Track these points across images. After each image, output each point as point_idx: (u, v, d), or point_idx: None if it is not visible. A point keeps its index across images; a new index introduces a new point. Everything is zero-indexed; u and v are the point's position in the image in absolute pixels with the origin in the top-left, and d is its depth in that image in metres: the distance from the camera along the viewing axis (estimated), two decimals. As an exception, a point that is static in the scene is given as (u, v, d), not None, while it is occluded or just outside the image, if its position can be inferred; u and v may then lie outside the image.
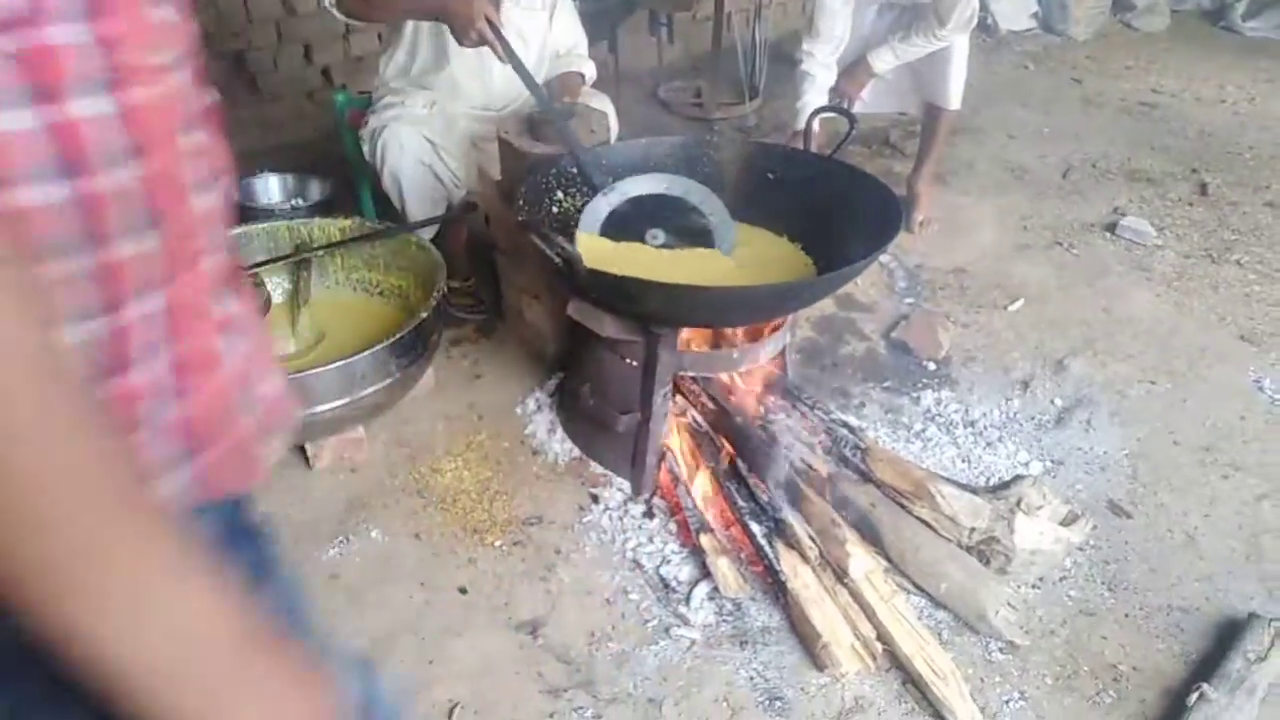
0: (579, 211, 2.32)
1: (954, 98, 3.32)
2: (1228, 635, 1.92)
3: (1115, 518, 2.25)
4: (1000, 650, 1.89)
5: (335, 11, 2.50)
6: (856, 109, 3.28)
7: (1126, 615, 1.99)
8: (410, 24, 2.56)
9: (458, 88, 2.74)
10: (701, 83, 5.05)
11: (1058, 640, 1.93)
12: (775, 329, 2.23)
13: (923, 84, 3.36)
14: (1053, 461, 2.42)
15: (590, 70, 2.91)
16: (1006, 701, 1.79)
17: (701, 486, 2.23)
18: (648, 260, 2.14)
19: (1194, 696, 1.74)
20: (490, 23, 2.32)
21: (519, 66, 2.35)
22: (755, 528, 2.09)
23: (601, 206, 2.23)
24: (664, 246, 2.20)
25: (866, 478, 2.10)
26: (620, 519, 2.20)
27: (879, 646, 1.84)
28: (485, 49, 2.42)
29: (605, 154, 2.41)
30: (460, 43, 2.38)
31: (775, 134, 4.61)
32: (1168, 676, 1.86)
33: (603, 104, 2.77)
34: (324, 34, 4.23)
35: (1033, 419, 2.58)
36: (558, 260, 1.89)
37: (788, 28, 6.07)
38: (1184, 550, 2.17)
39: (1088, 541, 2.15)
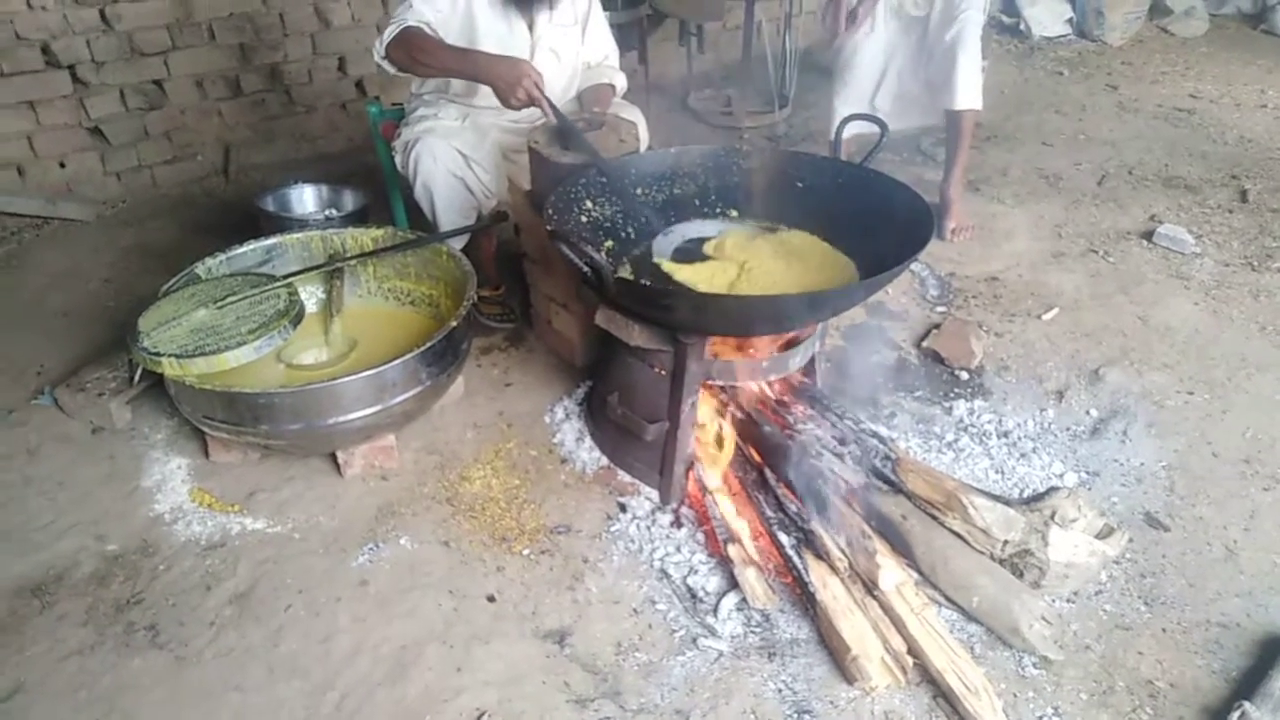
0: (608, 220, 2.33)
1: (964, 97, 3.28)
2: (1269, 653, 1.88)
3: (1152, 530, 2.21)
4: (1034, 665, 1.86)
5: (385, 65, 2.55)
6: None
7: (1164, 630, 1.95)
8: (440, 30, 2.58)
9: (488, 98, 2.75)
10: (731, 91, 5.05)
11: (1093, 655, 1.89)
12: (804, 338, 2.22)
13: (936, 90, 3.35)
14: (1088, 473, 2.38)
15: (621, 81, 2.92)
16: (1040, 718, 1.76)
17: (730, 497, 2.22)
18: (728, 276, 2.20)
19: (1235, 715, 1.70)
20: (536, 85, 2.34)
21: (565, 123, 2.37)
22: (784, 538, 2.07)
23: (665, 244, 2.29)
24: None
25: (897, 488, 2.08)
26: (648, 528, 2.20)
27: (909, 660, 1.81)
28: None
29: (634, 163, 2.42)
30: (507, 105, 2.41)
31: (805, 142, 4.60)
32: (1207, 694, 1.82)
33: (633, 114, 2.78)
34: (357, 47, 4.29)
35: (1068, 429, 2.54)
36: (586, 269, 1.89)
37: (817, 37, 6.06)
38: (1223, 564, 2.12)
39: (1124, 555, 2.11)
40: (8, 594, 2.04)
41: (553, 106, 2.37)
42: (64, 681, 1.84)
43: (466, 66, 2.45)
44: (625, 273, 2.22)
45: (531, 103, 2.36)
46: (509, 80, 2.34)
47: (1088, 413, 2.62)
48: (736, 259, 2.21)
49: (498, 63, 2.39)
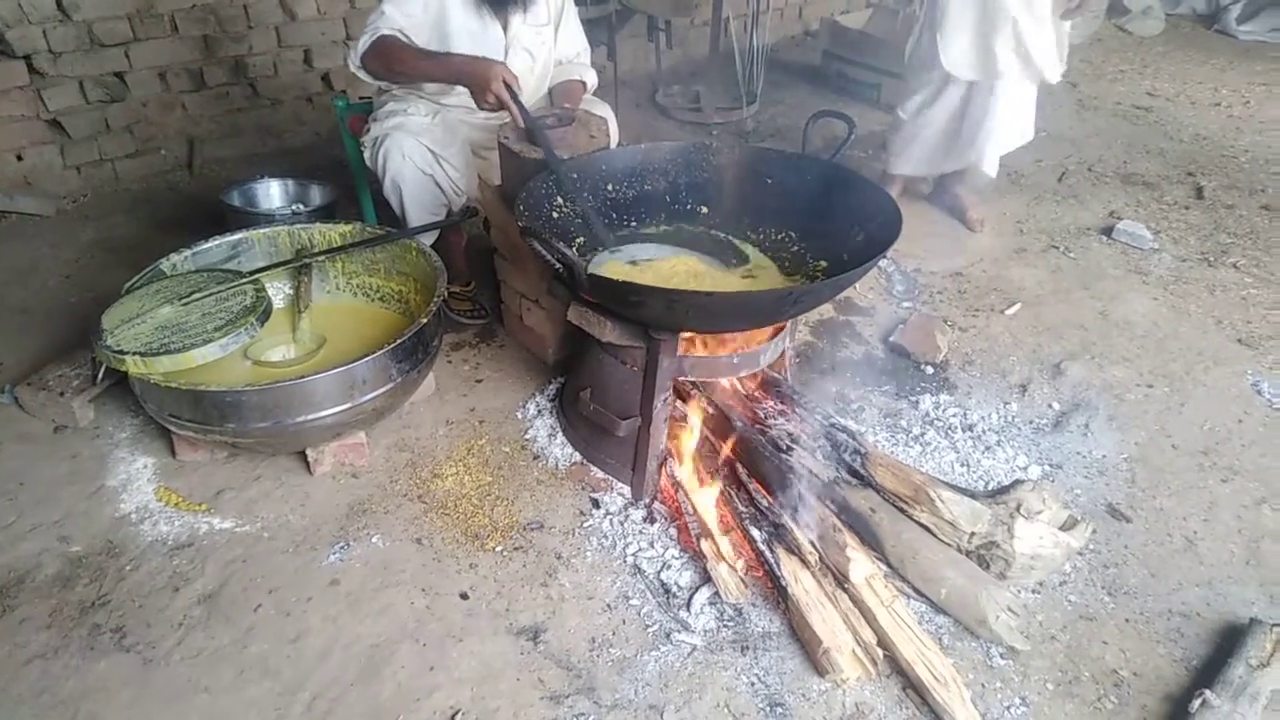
0: (579, 216, 2.33)
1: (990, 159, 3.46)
2: (1229, 641, 1.93)
3: (1114, 522, 2.26)
4: (1001, 655, 1.90)
5: (360, 73, 2.54)
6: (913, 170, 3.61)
7: (1127, 620, 2.00)
8: (414, 35, 2.57)
9: (459, 97, 2.74)
10: (699, 88, 5.06)
11: (1058, 645, 1.93)
12: (775, 334, 2.24)
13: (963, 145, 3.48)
14: (1051, 465, 2.43)
15: (592, 78, 2.91)
16: (1008, 707, 1.79)
17: (701, 492, 2.23)
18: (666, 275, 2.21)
19: (1196, 703, 1.74)
20: (508, 87, 2.33)
21: (532, 124, 2.36)
22: (755, 533, 2.09)
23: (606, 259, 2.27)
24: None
25: (866, 482, 2.11)
26: (621, 524, 2.21)
27: (880, 652, 1.84)
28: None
29: (604, 160, 2.42)
30: (480, 106, 2.40)
31: (773, 139, 4.63)
32: (1169, 682, 1.87)
33: (603, 111, 2.78)
34: (323, 40, 4.24)
35: (1031, 423, 2.59)
36: (558, 265, 1.89)
37: (784, 33, 6.10)
38: (1184, 555, 2.18)
39: (1087, 546, 2.15)
40: (-32, 597, 2.00)
41: (522, 109, 2.35)
42: (27, 686, 1.81)
43: (440, 71, 2.44)
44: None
45: (501, 106, 2.35)
46: (480, 82, 2.34)
47: (1050, 406, 2.66)
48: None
49: (471, 64, 2.38)
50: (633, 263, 2.27)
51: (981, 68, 3.25)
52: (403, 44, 2.48)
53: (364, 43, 2.48)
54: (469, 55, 2.43)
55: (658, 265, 2.28)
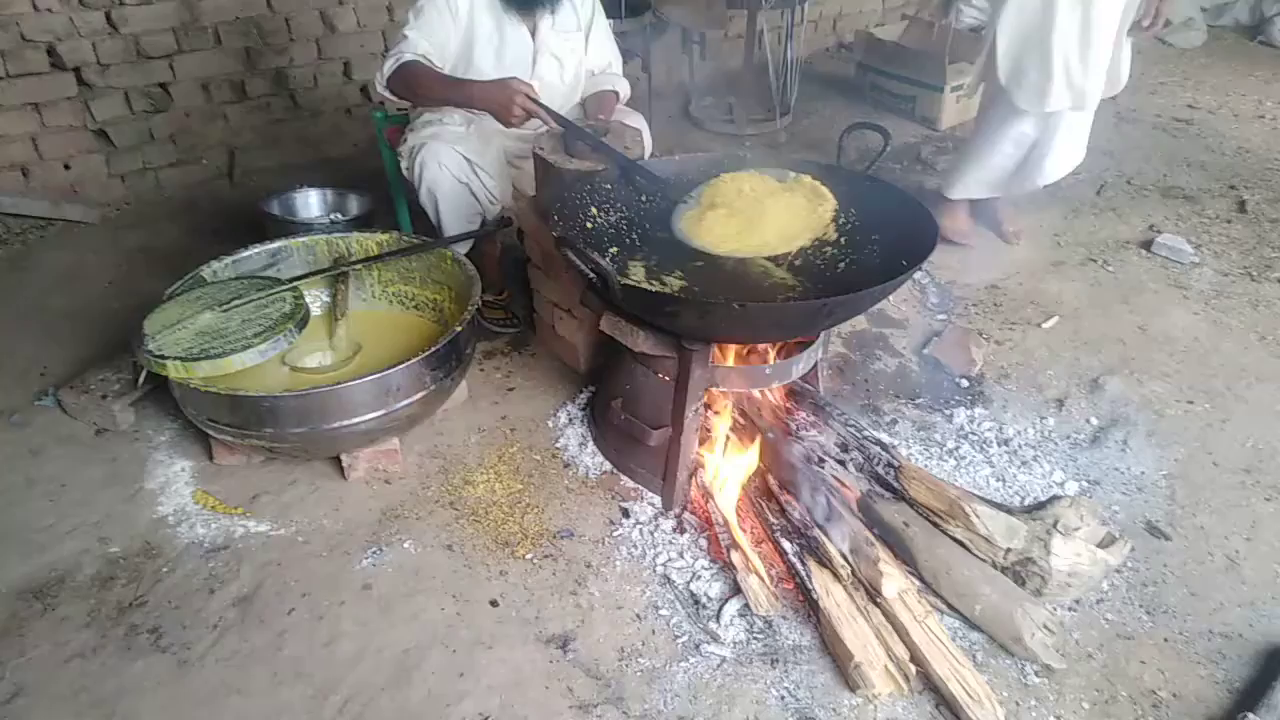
0: (613, 227, 2.33)
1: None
2: (1273, 663, 1.89)
3: (1153, 540, 2.22)
4: (1036, 674, 1.86)
5: (385, 94, 2.60)
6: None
7: (1166, 640, 1.96)
8: (440, 52, 2.61)
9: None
10: (733, 100, 5.06)
11: (1095, 664, 1.90)
12: (808, 344, 2.23)
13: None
14: (1089, 481, 2.39)
15: (625, 88, 2.93)
16: (1042, 725, 1.77)
17: (732, 502, 2.22)
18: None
19: (1238, 726, 1.70)
20: (530, 98, 2.36)
21: (568, 126, 2.38)
22: (787, 545, 2.08)
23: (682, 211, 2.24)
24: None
25: (900, 496, 2.09)
26: (651, 534, 2.20)
27: (912, 668, 1.82)
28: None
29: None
30: (508, 125, 2.45)
31: (806, 151, 4.62)
32: (1210, 704, 1.83)
33: (637, 121, 2.79)
34: (362, 52, 4.30)
35: (1068, 438, 2.55)
36: (593, 275, 1.90)
37: (818, 46, 6.09)
38: (1225, 574, 2.13)
39: (1125, 564, 2.11)
40: (9, 596, 2.04)
41: (551, 113, 2.38)
42: (65, 684, 1.84)
43: (461, 96, 2.48)
44: (638, 270, 2.22)
45: (530, 115, 2.37)
46: (502, 101, 2.37)
47: (1088, 421, 2.62)
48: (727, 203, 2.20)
49: (488, 87, 2.42)
50: (712, 207, 2.20)
51: (1038, 98, 3.12)
52: (426, 69, 2.51)
53: (388, 67, 2.53)
54: (485, 80, 2.47)
55: (719, 187, 2.24)
